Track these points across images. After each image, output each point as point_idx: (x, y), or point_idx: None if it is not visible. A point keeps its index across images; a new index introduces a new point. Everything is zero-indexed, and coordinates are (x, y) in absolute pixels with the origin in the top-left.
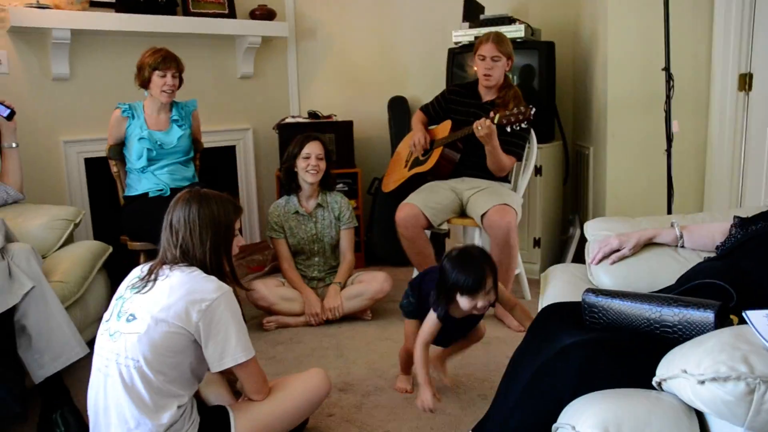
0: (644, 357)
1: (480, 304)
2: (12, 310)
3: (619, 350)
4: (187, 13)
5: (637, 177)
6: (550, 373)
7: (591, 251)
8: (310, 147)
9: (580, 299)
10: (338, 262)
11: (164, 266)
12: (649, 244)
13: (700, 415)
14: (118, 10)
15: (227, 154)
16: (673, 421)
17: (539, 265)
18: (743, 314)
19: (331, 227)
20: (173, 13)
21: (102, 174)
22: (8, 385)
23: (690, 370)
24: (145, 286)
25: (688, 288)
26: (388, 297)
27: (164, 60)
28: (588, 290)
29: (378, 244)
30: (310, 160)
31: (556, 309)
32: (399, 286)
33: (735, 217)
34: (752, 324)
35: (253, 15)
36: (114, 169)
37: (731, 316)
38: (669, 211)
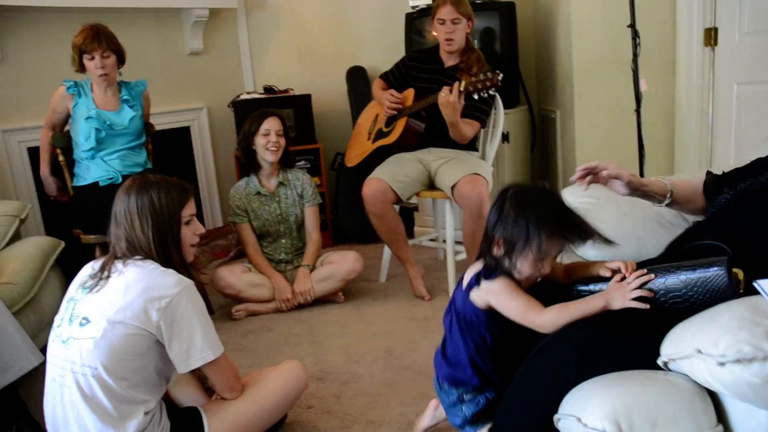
0: (648, 335)
1: (546, 268)
2: None
3: (621, 330)
4: None
5: (606, 139)
6: (547, 358)
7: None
8: (269, 123)
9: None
10: (305, 243)
11: (117, 261)
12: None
13: (712, 394)
14: None
15: (181, 135)
16: (687, 406)
17: None
18: (755, 284)
19: (295, 205)
20: None
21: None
22: None
23: (706, 350)
24: (96, 285)
25: (682, 252)
26: (360, 277)
27: (86, 41)
28: (576, 282)
29: (345, 222)
30: (270, 137)
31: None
32: (370, 265)
33: (708, 171)
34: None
35: None
36: (60, 158)
37: (734, 270)
38: (641, 173)
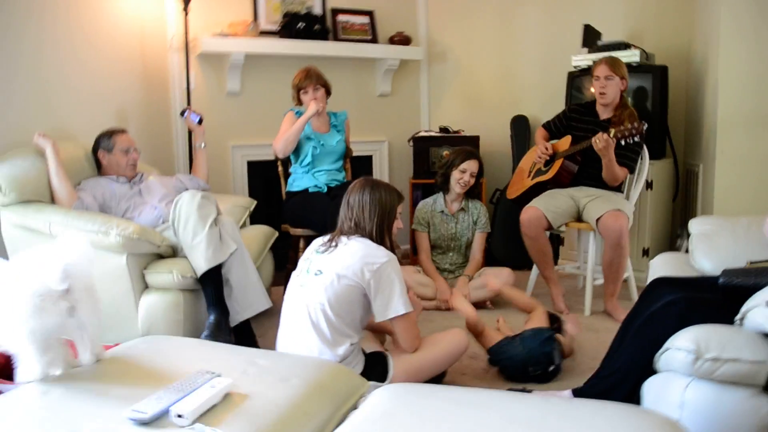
0: (730, 309)
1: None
2: (221, 266)
3: (711, 304)
4: (336, 38)
5: (745, 193)
6: (655, 321)
7: None
8: (468, 164)
9: (680, 275)
10: (467, 260)
11: (342, 236)
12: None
13: None
14: (281, 37)
15: (365, 162)
16: (750, 343)
17: (647, 273)
18: None
19: (469, 229)
20: (325, 39)
21: (259, 174)
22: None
23: (761, 299)
24: (327, 250)
25: None
26: None
27: (301, 80)
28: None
29: (498, 249)
30: (465, 176)
31: (661, 281)
32: (518, 285)
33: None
34: None
35: (392, 41)
36: (279, 169)
37: None
38: None
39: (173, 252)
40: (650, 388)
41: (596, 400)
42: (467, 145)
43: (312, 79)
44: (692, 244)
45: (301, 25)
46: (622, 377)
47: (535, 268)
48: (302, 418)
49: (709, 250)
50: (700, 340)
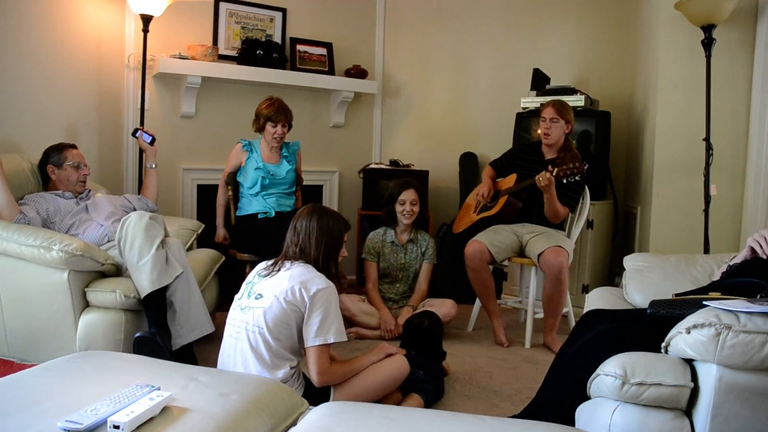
0: (657, 338)
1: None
2: (165, 288)
3: (639, 333)
4: (294, 68)
5: (677, 234)
6: (587, 350)
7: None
8: (405, 195)
9: (613, 307)
10: (413, 291)
11: (286, 261)
12: (673, 271)
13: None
14: (239, 63)
15: (315, 192)
16: (672, 368)
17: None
18: (704, 303)
19: (417, 260)
20: (283, 67)
21: (209, 198)
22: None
23: (683, 327)
24: (269, 274)
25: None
26: (452, 323)
27: (275, 113)
28: (653, 303)
29: (442, 282)
30: (405, 206)
31: (594, 312)
32: (460, 319)
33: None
34: (715, 306)
35: (348, 73)
36: (229, 193)
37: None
38: None
39: (117, 271)
40: (582, 413)
41: (530, 420)
42: (417, 179)
43: (286, 115)
44: (626, 279)
45: (260, 52)
46: (556, 404)
47: (478, 301)
48: None
49: (640, 285)
50: (627, 366)
